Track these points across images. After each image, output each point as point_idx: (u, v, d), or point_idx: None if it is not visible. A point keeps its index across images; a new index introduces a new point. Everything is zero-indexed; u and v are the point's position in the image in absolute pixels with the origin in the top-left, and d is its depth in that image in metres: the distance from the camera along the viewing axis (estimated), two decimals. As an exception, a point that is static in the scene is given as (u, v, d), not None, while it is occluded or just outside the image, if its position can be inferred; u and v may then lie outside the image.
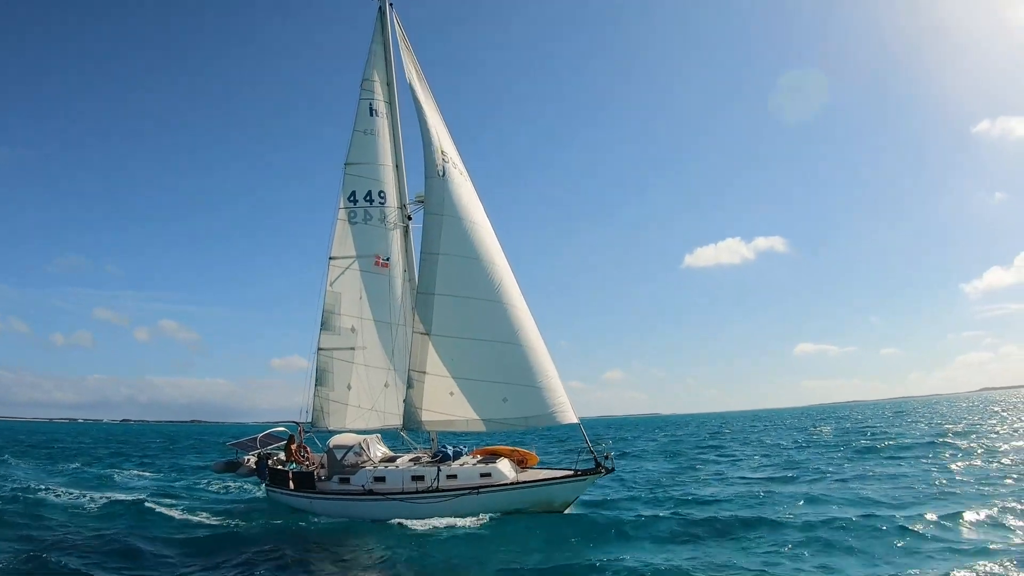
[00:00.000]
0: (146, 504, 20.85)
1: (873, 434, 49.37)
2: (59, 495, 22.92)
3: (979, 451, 31.99)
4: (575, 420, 19.97)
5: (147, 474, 32.60)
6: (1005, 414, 74.98)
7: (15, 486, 24.79)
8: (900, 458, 30.77)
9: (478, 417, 19.72)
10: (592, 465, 19.20)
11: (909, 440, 40.79)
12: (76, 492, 23.83)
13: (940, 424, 58.98)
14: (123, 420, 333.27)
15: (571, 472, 19.35)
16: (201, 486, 27.31)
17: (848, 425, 67.40)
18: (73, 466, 35.93)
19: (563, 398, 19.93)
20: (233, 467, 23.54)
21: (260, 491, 23.54)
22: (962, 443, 36.28)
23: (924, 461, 28.86)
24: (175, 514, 19.81)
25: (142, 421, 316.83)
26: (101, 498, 22.31)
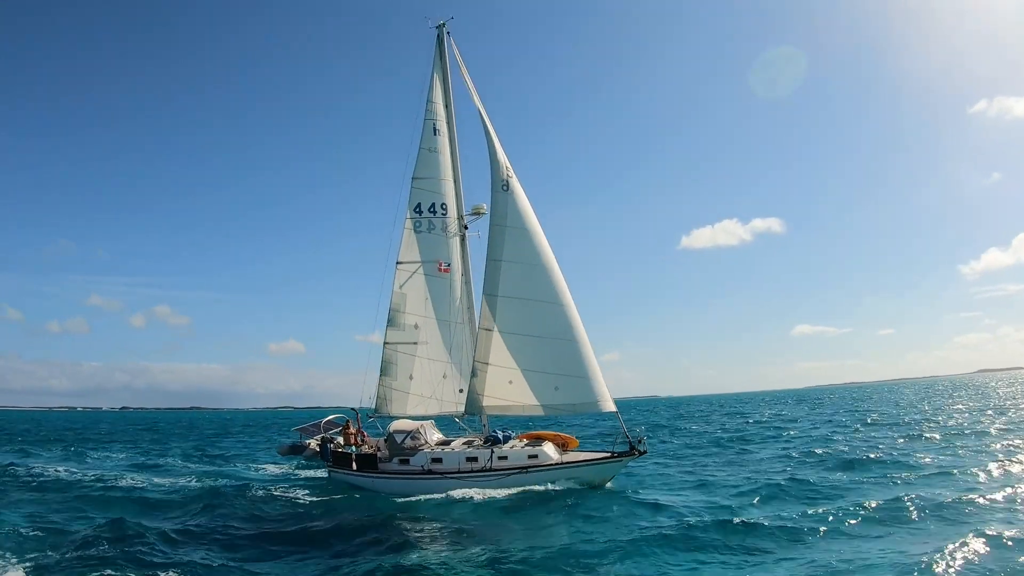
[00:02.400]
0: (222, 486, 23.07)
1: (933, 417, 49.05)
2: (133, 482, 24.57)
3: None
4: (614, 408, 22.55)
5: (192, 464, 33.70)
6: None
7: (90, 475, 26.39)
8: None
9: (533, 403, 22.29)
10: (627, 448, 21.87)
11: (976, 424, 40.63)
12: (141, 478, 25.61)
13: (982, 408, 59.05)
14: (122, 408, 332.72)
15: (609, 454, 22.07)
16: (262, 469, 29.10)
17: (893, 410, 65.25)
18: (120, 456, 37.30)
19: (604, 388, 22.49)
20: (297, 450, 25.92)
21: (322, 472, 25.62)
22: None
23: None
24: (259, 493, 22.00)
25: (141, 408, 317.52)
26: (178, 483, 24.25)
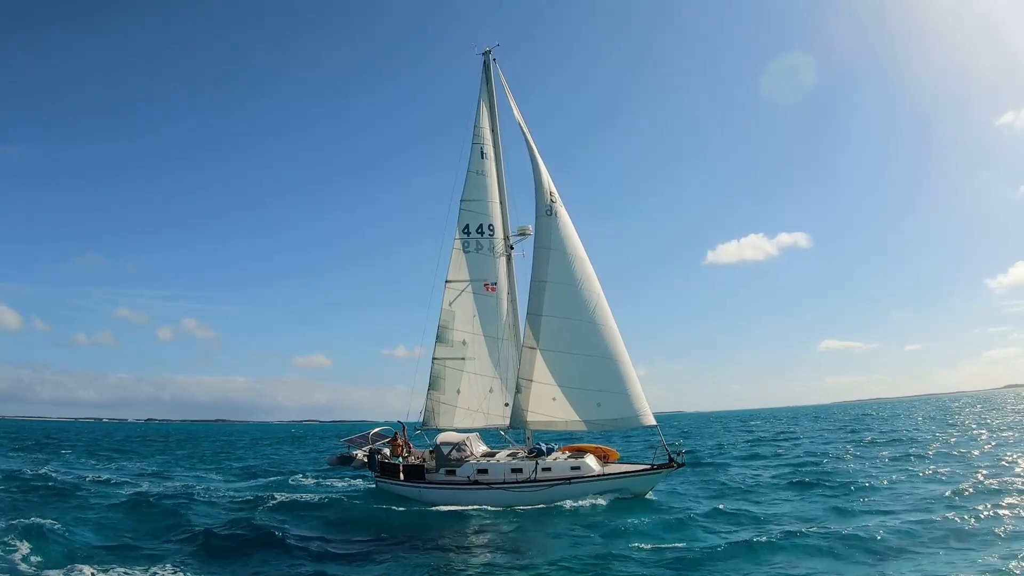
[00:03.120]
0: (276, 497, 23.76)
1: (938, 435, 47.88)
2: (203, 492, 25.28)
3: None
4: (654, 423, 23.33)
5: (243, 475, 34.56)
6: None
7: (166, 488, 27.04)
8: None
9: (575, 419, 23.17)
10: (666, 460, 22.60)
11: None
12: (200, 488, 26.44)
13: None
14: (148, 419, 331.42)
15: (648, 466, 22.85)
16: (311, 480, 30.15)
17: (899, 426, 64.06)
18: (179, 469, 37.52)
19: (645, 404, 23.30)
20: (346, 461, 26.68)
21: (369, 482, 26.43)
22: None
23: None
24: (310, 498, 23.12)
25: (167, 420, 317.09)
26: (233, 492, 25.22)
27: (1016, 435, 44.77)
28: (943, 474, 25.65)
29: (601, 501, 21.26)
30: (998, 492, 20.78)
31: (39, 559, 14.66)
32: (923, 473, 26.23)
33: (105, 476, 31.01)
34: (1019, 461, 28.38)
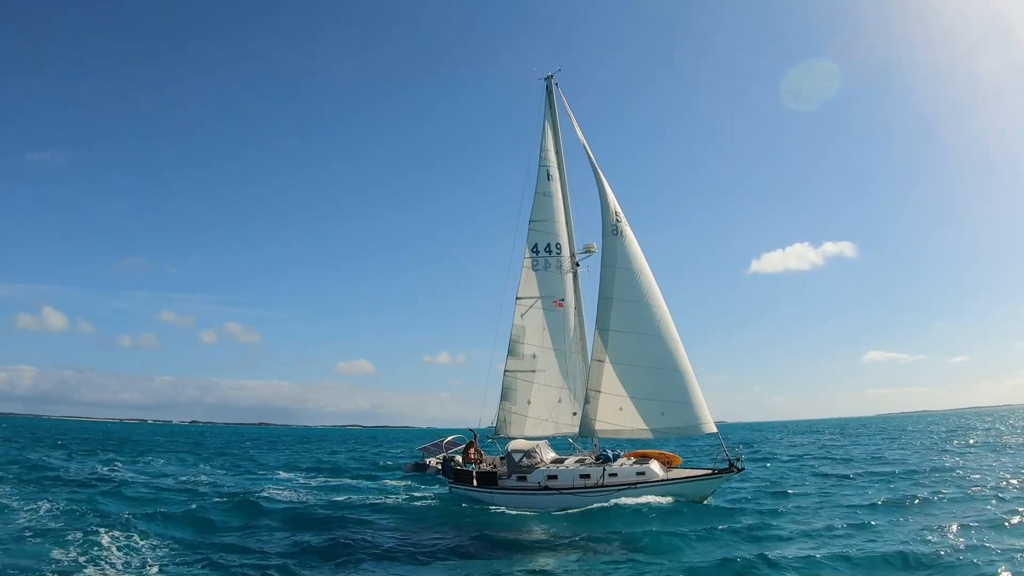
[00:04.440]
0: (354, 499, 25.57)
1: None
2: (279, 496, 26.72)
3: None
4: (715, 431, 24.47)
5: (301, 477, 35.60)
6: None
7: (249, 488, 28.95)
8: None
9: (642, 427, 24.38)
10: (726, 465, 23.70)
11: None
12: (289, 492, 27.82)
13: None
14: (192, 421, 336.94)
15: (710, 471, 23.99)
16: (385, 484, 31.75)
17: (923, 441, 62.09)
18: (262, 471, 39.52)
19: (706, 413, 24.41)
20: (421, 468, 28.13)
21: (443, 488, 27.54)
22: None
23: None
24: (387, 500, 24.68)
25: (210, 423, 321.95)
26: (313, 493, 26.88)
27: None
28: None
29: (663, 503, 22.26)
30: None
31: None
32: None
33: (199, 477, 33.13)
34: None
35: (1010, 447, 46.94)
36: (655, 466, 23.83)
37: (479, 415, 27.57)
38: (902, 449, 50.36)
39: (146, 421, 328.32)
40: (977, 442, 53.30)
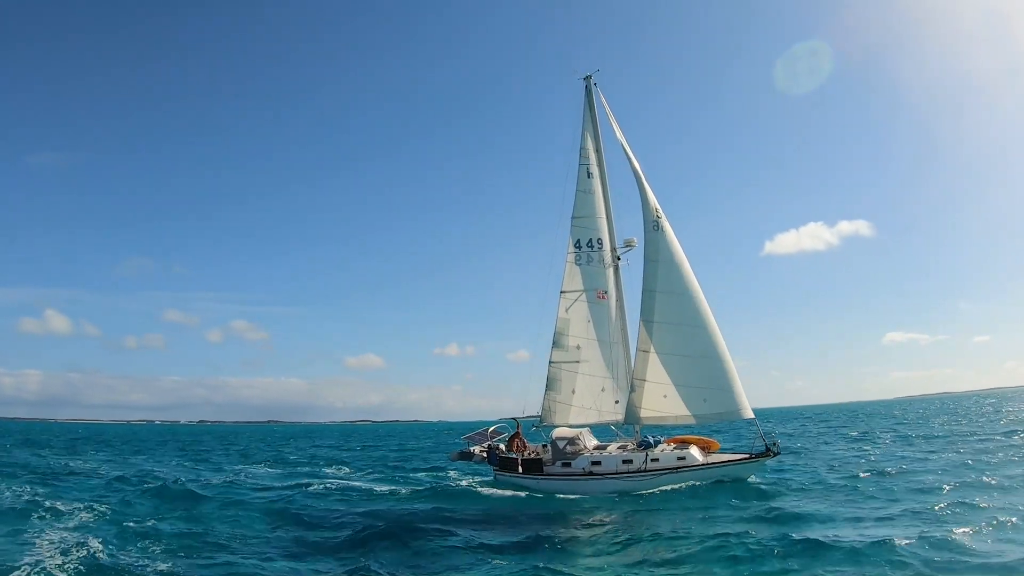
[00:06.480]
0: (402, 490, 25.97)
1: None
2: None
3: None
4: (752, 416, 25.51)
5: (349, 471, 35.59)
6: None
7: (299, 483, 28.99)
8: None
9: (685, 414, 25.44)
10: (763, 450, 24.77)
11: None
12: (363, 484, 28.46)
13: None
14: (199, 421, 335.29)
15: (747, 455, 25.08)
16: (432, 472, 32.70)
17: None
18: (279, 470, 38.47)
19: (744, 399, 25.41)
20: (466, 456, 29.18)
21: (488, 476, 28.57)
22: None
23: None
24: (441, 491, 25.32)
25: (218, 422, 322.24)
26: (361, 485, 27.20)
27: None
28: None
29: (703, 486, 23.19)
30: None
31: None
32: None
33: (233, 477, 32.94)
34: None
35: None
36: (695, 451, 24.77)
37: (522, 406, 28.53)
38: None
39: (154, 422, 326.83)
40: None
